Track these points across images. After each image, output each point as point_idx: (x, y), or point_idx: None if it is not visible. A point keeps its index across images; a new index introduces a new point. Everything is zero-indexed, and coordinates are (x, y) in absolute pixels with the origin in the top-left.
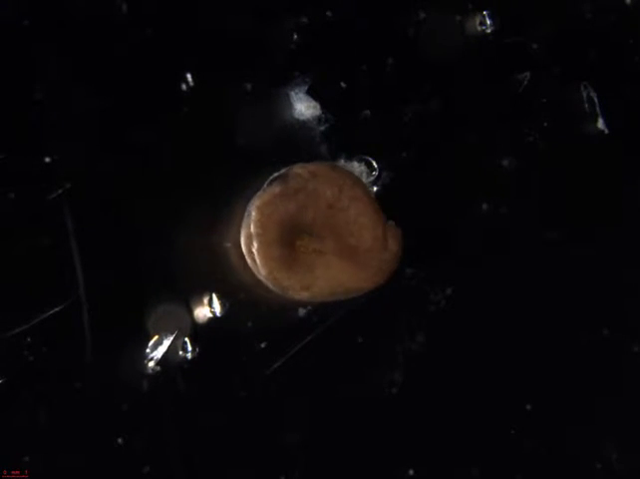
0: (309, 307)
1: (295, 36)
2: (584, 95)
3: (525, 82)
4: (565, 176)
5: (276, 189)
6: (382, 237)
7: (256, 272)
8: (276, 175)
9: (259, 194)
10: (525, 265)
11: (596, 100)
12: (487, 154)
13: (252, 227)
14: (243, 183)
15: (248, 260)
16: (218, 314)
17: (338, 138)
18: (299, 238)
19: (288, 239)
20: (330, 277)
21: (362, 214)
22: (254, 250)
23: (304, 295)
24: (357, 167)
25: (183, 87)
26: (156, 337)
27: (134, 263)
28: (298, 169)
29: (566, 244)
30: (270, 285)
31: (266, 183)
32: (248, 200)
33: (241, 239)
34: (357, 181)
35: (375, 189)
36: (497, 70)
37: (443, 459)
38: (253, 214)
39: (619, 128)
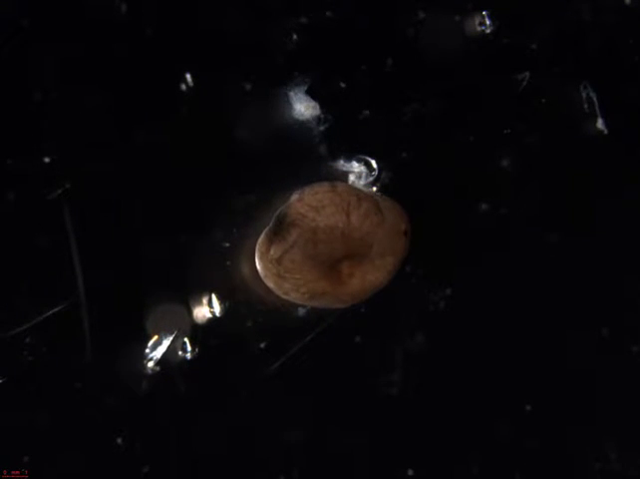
0: (309, 307)
1: (295, 36)
2: (584, 95)
3: (525, 82)
4: (565, 176)
5: (293, 234)
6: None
7: (291, 300)
8: (279, 213)
9: (273, 240)
10: (525, 266)
11: (596, 100)
12: (487, 154)
13: (288, 273)
14: (243, 182)
15: (279, 293)
16: (218, 314)
17: (338, 138)
18: (338, 269)
19: (327, 272)
20: (370, 285)
21: (376, 226)
22: (294, 293)
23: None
24: (357, 167)
25: (183, 87)
26: (155, 337)
27: (134, 263)
28: (299, 207)
29: (566, 245)
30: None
31: (272, 224)
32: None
33: (271, 284)
34: (360, 195)
35: (375, 189)
36: (497, 70)
37: (442, 459)
38: (282, 264)
39: (619, 128)
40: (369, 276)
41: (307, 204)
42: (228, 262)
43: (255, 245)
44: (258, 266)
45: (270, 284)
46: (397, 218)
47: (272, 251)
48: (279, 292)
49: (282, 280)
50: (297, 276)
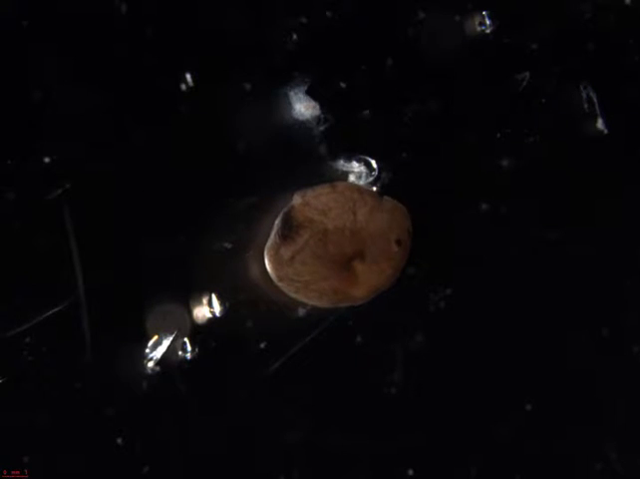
0: (309, 307)
1: (295, 36)
2: (584, 95)
3: (525, 82)
4: (565, 176)
5: (304, 236)
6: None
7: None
8: (286, 217)
9: (282, 242)
10: (525, 265)
11: (596, 100)
12: (487, 154)
13: (298, 275)
14: (243, 183)
15: (290, 292)
16: (218, 314)
17: (338, 138)
18: (349, 267)
19: (337, 270)
20: (382, 281)
21: (381, 221)
22: (304, 290)
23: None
24: (356, 167)
25: (183, 87)
26: (155, 338)
27: (134, 263)
28: (307, 211)
29: (566, 244)
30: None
31: (278, 223)
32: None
33: (282, 285)
34: (362, 190)
35: (374, 189)
36: (497, 70)
37: (442, 459)
38: (292, 266)
39: (619, 128)
40: (379, 272)
41: (314, 208)
42: (229, 263)
43: (258, 245)
44: (269, 268)
45: (281, 285)
46: (400, 215)
47: (282, 253)
48: (289, 291)
49: (293, 281)
50: (307, 278)
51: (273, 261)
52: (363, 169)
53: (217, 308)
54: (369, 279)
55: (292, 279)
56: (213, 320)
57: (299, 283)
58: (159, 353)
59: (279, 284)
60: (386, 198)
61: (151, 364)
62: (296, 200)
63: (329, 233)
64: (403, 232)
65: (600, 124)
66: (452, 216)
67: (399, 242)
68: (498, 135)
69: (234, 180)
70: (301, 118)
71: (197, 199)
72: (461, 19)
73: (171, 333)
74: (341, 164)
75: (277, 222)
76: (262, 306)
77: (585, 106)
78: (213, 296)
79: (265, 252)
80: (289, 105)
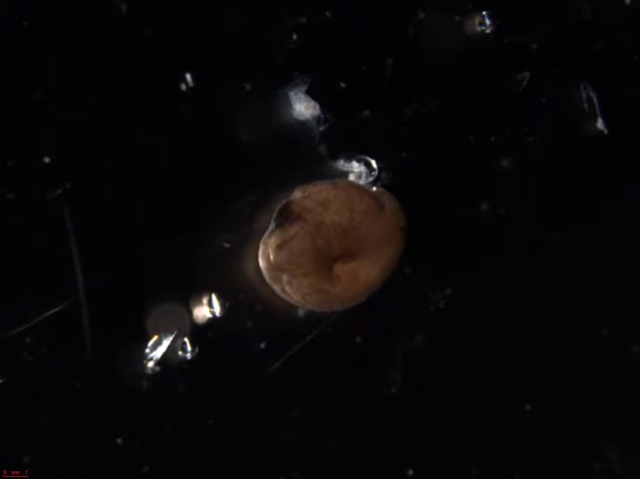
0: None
1: (295, 36)
2: (584, 95)
3: (525, 82)
4: (565, 176)
5: (296, 227)
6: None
7: (288, 298)
8: (282, 207)
9: (274, 230)
10: (525, 266)
11: (595, 100)
12: (487, 154)
13: (281, 266)
14: (243, 183)
15: (276, 288)
16: (218, 315)
17: (338, 138)
18: (332, 264)
19: (321, 268)
20: (365, 284)
21: (375, 222)
22: (288, 286)
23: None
24: (356, 167)
25: (183, 87)
26: (155, 338)
27: (134, 263)
28: (306, 202)
29: (566, 245)
30: (308, 307)
31: (275, 216)
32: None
33: (265, 270)
34: (361, 190)
35: (374, 189)
36: (497, 70)
37: (442, 459)
38: (280, 254)
39: (619, 128)
40: (363, 275)
41: (314, 199)
42: (229, 263)
43: (256, 245)
44: (260, 261)
45: (268, 277)
46: (395, 214)
47: (272, 241)
48: (277, 289)
49: (278, 272)
50: (291, 270)
51: (263, 250)
52: (363, 169)
53: (217, 308)
54: (354, 281)
55: (278, 270)
56: (213, 320)
57: (284, 277)
58: (159, 353)
59: (266, 278)
60: (383, 191)
61: (151, 364)
62: (296, 194)
63: (322, 227)
64: (396, 229)
65: (600, 124)
66: (452, 216)
67: (400, 232)
68: (498, 135)
69: (234, 180)
70: (301, 118)
71: (197, 199)
72: (461, 19)
73: (171, 333)
74: (341, 164)
75: (275, 213)
76: (262, 306)
77: (585, 106)
78: (213, 296)
79: (260, 244)
80: (289, 105)
